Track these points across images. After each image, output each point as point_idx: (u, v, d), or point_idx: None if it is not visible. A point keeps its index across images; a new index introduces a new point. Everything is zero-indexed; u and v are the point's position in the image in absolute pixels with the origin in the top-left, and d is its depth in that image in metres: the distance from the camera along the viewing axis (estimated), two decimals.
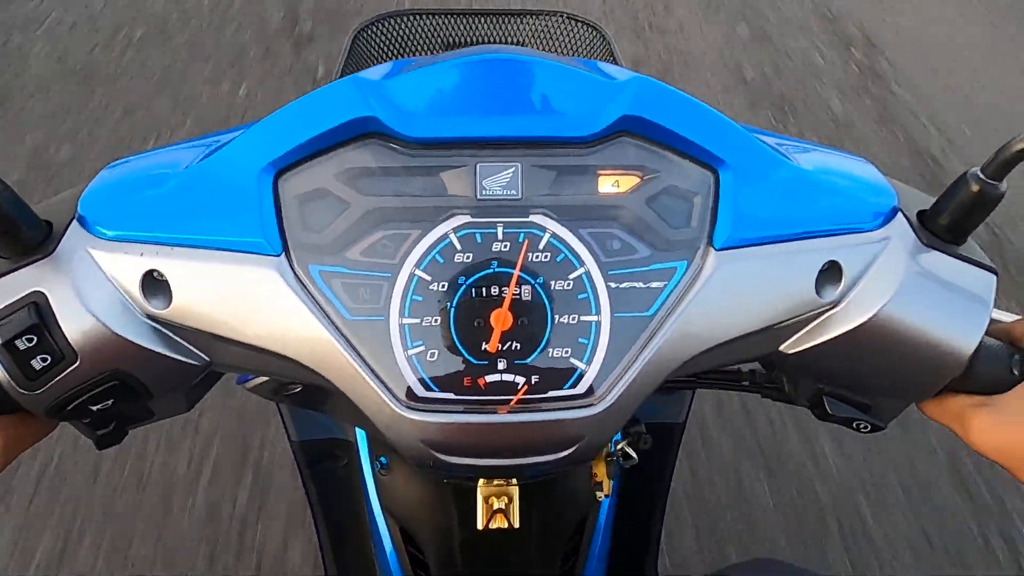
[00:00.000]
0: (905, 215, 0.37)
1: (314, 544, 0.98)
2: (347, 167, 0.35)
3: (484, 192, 0.35)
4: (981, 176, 0.35)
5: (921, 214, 0.38)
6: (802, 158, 0.38)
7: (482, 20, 0.88)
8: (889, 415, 0.40)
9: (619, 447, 0.59)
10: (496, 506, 0.52)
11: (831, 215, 0.36)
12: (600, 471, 0.58)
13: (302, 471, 0.76)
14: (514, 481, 0.52)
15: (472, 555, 0.61)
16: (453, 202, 0.35)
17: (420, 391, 0.34)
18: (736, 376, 0.47)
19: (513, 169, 0.35)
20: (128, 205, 0.34)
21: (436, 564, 0.64)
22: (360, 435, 0.73)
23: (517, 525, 0.51)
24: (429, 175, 0.35)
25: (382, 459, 0.64)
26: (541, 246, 0.35)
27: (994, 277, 0.36)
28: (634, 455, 0.58)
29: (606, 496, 0.57)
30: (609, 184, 0.35)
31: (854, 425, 0.40)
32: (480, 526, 0.51)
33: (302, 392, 0.52)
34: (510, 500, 0.52)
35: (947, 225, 0.37)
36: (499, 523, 0.51)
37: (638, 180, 0.35)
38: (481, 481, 0.51)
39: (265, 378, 0.51)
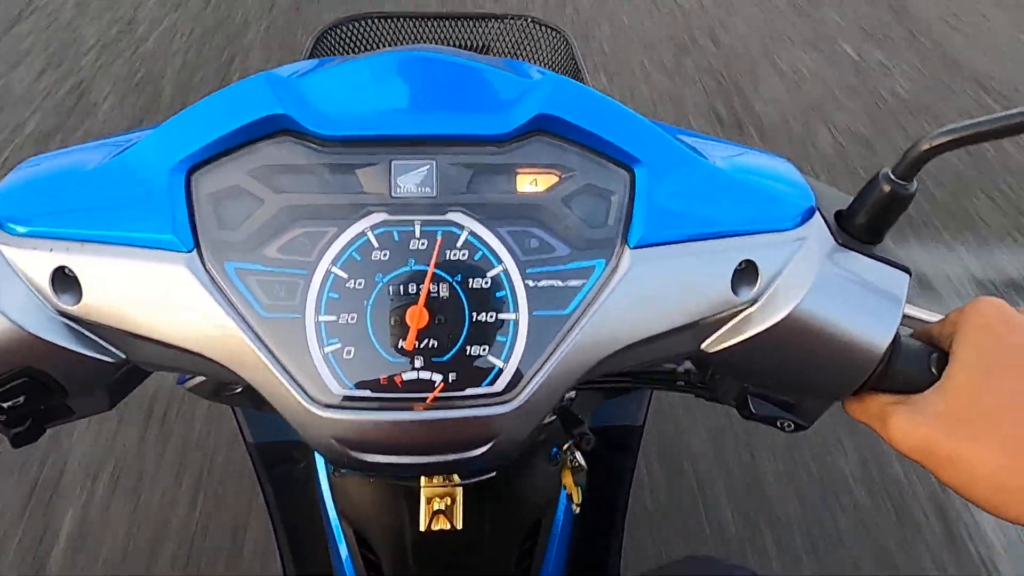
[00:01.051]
0: (823, 215, 0.38)
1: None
2: (260, 164, 0.35)
3: (399, 190, 0.35)
4: (892, 177, 0.35)
5: (838, 214, 0.38)
6: (720, 157, 0.39)
7: (446, 23, 0.88)
8: (812, 414, 0.40)
9: (569, 452, 0.59)
10: (437, 507, 0.52)
11: (748, 215, 0.36)
12: (567, 482, 0.57)
13: (259, 473, 0.76)
14: (456, 480, 0.52)
15: (424, 557, 0.61)
16: (369, 199, 0.35)
17: (336, 389, 0.34)
18: (669, 376, 0.48)
19: (428, 167, 0.35)
20: (39, 202, 0.34)
21: (389, 566, 0.63)
22: None
23: (460, 527, 0.51)
24: (344, 172, 0.35)
25: None
26: (459, 244, 0.35)
27: (907, 276, 0.36)
28: (582, 463, 0.58)
29: (578, 504, 0.57)
30: (527, 183, 0.35)
31: (778, 424, 0.41)
32: (422, 527, 0.51)
33: (244, 392, 0.52)
34: (453, 501, 0.52)
35: (863, 225, 0.37)
36: (441, 524, 0.51)
37: (556, 179, 0.36)
38: (423, 481, 0.51)
39: (203, 378, 0.51)
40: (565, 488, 0.57)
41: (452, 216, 0.35)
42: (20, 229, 0.34)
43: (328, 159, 0.35)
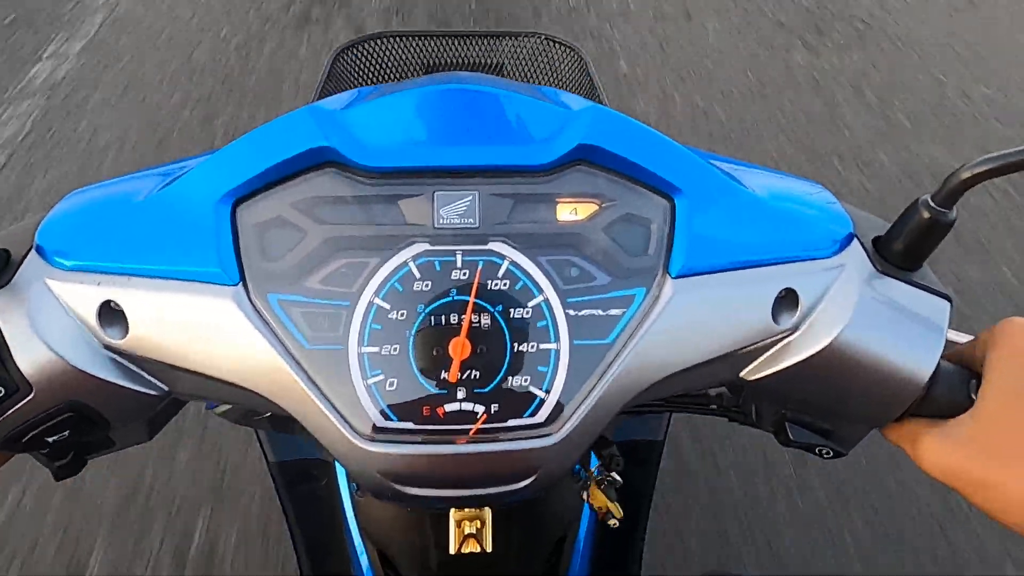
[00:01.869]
0: (860, 242, 0.38)
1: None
2: (304, 196, 0.35)
3: (442, 220, 0.35)
4: (931, 204, 0.35)
5: (876, 241, 0.38)
6: (757, 184, 0.39)
7: (461, 42, 0.89)
8: (850, 441, 0.40)
9: (599, 473, 0.58)
10: (468, 531, 0.51)
11: (787, 242, 0.36)
12: (599, 499, 0.57)
13: (280, 492, 0.76)
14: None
15: None
16: (411, 231, 0.35)
17: (379, 421, 0.34)
18: (703, 400, 0.47)
19: (470, 198, 0.35)
20: (86, 235, 0.35)
21: None
22: None
23: (490, 549, 0.51)
24: (387, 204, 0.35)
25: None
26: (500, 274, 0.35)
27: (948, 304, 0.36)
28: (618, 479, 0.58)
29: (618, 519, 0.57)
30: (568, 212, 0.36)
31: (816, 451, 0.40)
32: (452, 551, 0.50)
33: (271, 417, 0.52)
34: (483, 524, 0.52)
35: (901, 252, 0.37)
36: (471, 547, 0.51)
37: (596, 208, 0.36)
38: None
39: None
40: (598, 507, 0.57)
41: (493, 246, 0.35)
42: (67, 263, 0.34)
43: (372, 190, 0.35)
